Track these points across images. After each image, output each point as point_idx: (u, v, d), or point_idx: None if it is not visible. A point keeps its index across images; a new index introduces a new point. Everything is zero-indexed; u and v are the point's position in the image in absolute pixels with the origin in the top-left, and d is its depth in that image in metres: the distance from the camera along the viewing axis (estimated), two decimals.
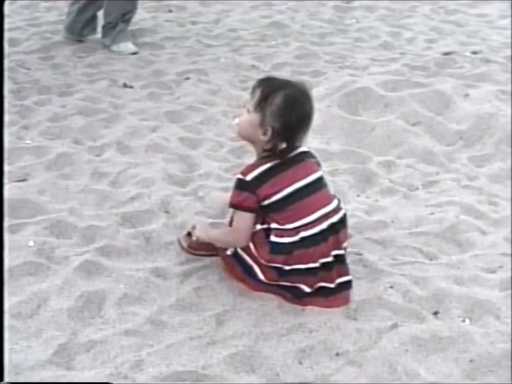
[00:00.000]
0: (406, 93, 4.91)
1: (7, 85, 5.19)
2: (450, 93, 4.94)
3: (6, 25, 6.60)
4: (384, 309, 2.89)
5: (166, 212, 3.59)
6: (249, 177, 2.87)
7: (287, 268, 2.88)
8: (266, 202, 2.87)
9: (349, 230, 3.23)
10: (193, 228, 3.18)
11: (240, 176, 2.89)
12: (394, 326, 2.77)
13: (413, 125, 4.60)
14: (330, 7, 6.87)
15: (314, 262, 2.88)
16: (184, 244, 3.22)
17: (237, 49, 5.92)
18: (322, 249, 2.88)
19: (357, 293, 2.98)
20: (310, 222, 2.88)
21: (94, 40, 6.18)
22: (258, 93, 2.85)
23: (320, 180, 2.95)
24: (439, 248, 3.39)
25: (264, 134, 2.86)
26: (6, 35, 6.29)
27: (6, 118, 4.65)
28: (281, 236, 2.87)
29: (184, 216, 3.53)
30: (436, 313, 2.89)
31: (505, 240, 3.45)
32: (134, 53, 5.92)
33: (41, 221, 3.47)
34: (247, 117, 2.89)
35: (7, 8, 7.16)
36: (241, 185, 2.89)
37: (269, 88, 2.85)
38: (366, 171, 4.08)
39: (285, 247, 2.87)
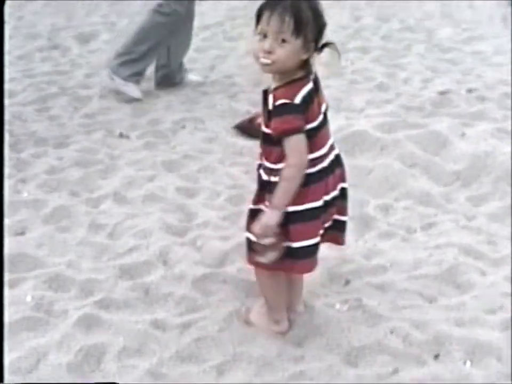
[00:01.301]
0: (402, 134, 4.98)
1: (3, 137, 5.28)
2: (446, 132, 5.00)
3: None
4: (385, 354, 2.92)
5: (164, 262, 3.65)
6: (297, 100, 2.76)
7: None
8: (308, 126, 2.81)
9: (348, 276, 3.29)
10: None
11: (285, 100, 2.76)
12: (395, 371, 2.81)
13: (410, 166, 4.66)
14: (324, 50, 6.94)
15: (327, 194, 2.91)
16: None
17: (232, 96, 5.99)
18: (332, 181, 2.93)
19: (356, 338, 3.02)
20: (325, 153, 2.90)
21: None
22: (286, 18, 2.71)
23: (326, 108, 2.95)
24: (439, 290, 3.44)
25: (306, 51, 2.79)
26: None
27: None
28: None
29: (182, 266, 3.59)
30: (436, 356, 2.93)
31: (505, 279, 3.50)
32: (136, 99, 6.00)
33: (39, 275, 3.53)
34: (288, 47, 2.73)
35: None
36: (290, 109, 2.76)
37: (293, 7, 2.73)
38: (364, 215, 4.13)
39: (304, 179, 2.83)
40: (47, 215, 4.24)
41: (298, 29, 2.72)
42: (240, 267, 3.52)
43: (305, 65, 2.82)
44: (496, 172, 4.56)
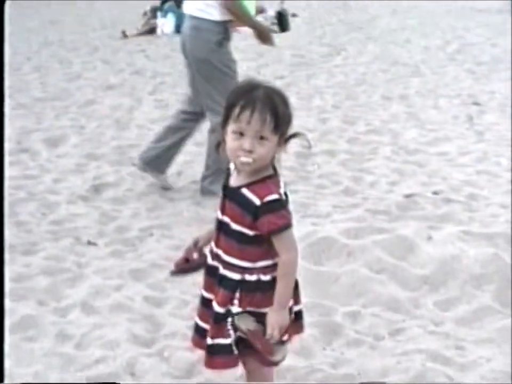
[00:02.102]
0: (369, 240, 5.05)
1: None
2: (413, 236, 5.08)
3: None
4: None
5: (132, 374, 3.65)
6: (281, 193, 2.83)
7: None
8: None
9: None
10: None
11: (277, 195, 2.80)
12: None
13: (377, 272, 4.73)
14: (291, 154, 7.09)
15: None
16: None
17: (199, 202, 6.08)
18: None
19: None
20: None
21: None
22: (267, 117, 2.74)
23: None
24: None
25: (279, 145, 2.83)
26: None
27: None
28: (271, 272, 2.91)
29: (149, 378, 3.60)
30: None
31: None
32: None
33: None
34: (268, 145, 2.77)
35: None
36: (280, 204, 2.80)
37: (271, 103, 2.75)
38: (331, 323, 4.17)
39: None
40: (14, 324, 4.23)
41: (277, 126, 2.77)
42: (208, 377, 3.54)
43: (272, 160, 2.87)
44: (463, 275, 4.64)
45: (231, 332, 2.92)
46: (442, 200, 6.04)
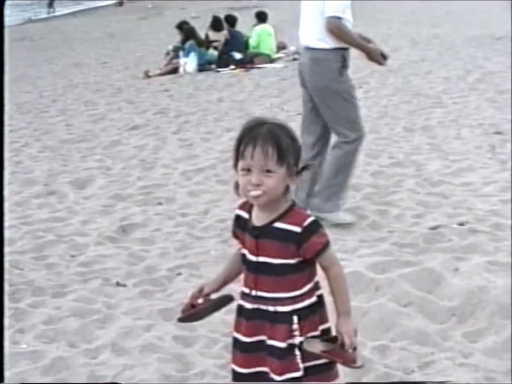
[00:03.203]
0: (396, 273, 5.07)
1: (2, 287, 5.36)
2: (439, 269, 5.10)
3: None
4: None
5: None
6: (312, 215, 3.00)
7: None
8: None
9: None
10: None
11: (311, 218, 2.93)
12: None
13: (405, 306, 4.73)
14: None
15: None
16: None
17: (226, 240, 6.06)
18: None
19: None
20: None
21: None
22: (269, 150, 2.83)
23: None
24: None
25: (290, 176, 2.91)
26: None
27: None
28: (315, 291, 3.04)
29: None
30: None
31: None
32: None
33: None
34: (275, 177, 2.85)
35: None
36: (318, 224, 2.94)
37: (272, 137, 2.85)
38: (360, 357, 4.16)
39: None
40: (46, 367, 4.28)
41: (281, 158, 2.85)
42: None
43: (287, 191, 2.94)
44: (491, 306, 4.62)
45: (301, 365, 2.97)
46: (468, 231, 6.03)
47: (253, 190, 2.86)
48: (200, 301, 3.19)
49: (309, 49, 6.20)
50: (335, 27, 6.01)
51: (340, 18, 6.01)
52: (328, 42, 6.07)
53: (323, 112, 6.26)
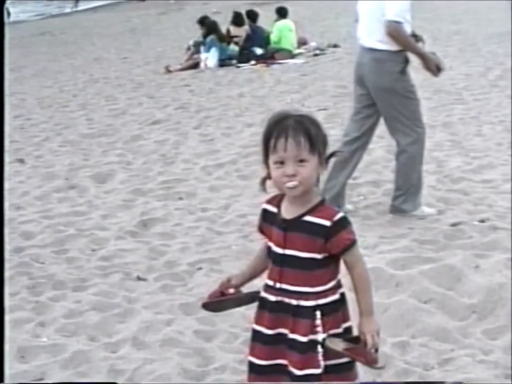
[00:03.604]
0: (416, 270, 5.07)
1: (21, 281, 5.40)
2: (460, 266, 5.09)
3: (21, 218, 6.89)
4: None
5: None
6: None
7: None
8: None
9: None
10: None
11: (342, 214, 2.96)
12: None
13: (425, 302, 4.73)
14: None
15: None
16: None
17: (247, 235, 6.08)
18: None
19: None
20: None
21: None
22: (301, 140, 2.87)
23: None
24: None
25: (321, 165, 2.95)
26: (21, 228, 6.58)
27: (21, 314, 4.84)
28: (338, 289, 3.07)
29: None
30: None
31: None
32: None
33: None
34: (309, 166, 2.89)
35: (20, 200, 7.48)
36: (347, 220, 2.98)
37: (302, 127, 2.88)
38: (380, 354, 4.11)
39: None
40: (66, 360, 4.30)
41: (313, 146, 2.89)
42: None
43: (318, 182, 2.99)
44: (511, 303, 4.60)
45: (322, 362, 2.99)
46: (488, 228, 6.02)
47: (288, 181, 2.89)
48: (231, 291, 3.18)
49: (370, 49, 6.25)
50: (394, 31, 6.06)
51: (400, 22, 6.05)
52: (390, 44, 6.13)
53: (383, 111, 6.34)
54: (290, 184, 2.90)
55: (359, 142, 6.47)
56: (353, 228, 2.99)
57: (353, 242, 2.96)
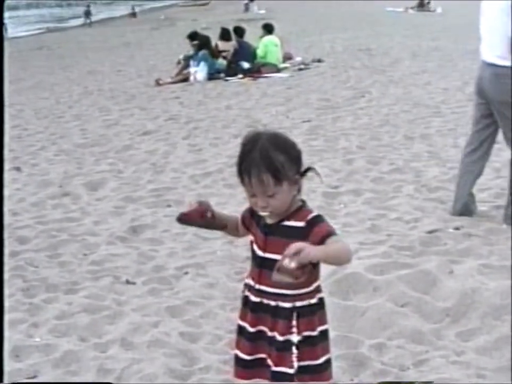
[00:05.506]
0: (393, 275, 5.07)
1: (16, 283, 5.39)
2: (435, 271, 5.09)
3: (17, 224, 6.87)
4: None
5: None
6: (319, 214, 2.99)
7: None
8: None
9: None
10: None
11: (315, 213, 2.95)
12: None
13: (402, 306, 4.73)
14: (319, 194, 7.13)
15: None
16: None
17: (232, 241, 6.05)
18: None
19: None
20: None
21: None
22: (263, 178, 2.83)
23: None
24: None
25: (295, 184, 2.94)
26: (17, 233, 6.56)
27: (16, 315, 4.84)
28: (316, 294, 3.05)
29: None
30: None
31: None
32: None
33: None
34: (278, 197, 2.87)
35: (16, 206, 7.46)
36: (322, 218, 2.95)
37: (265, 162, 2.83)
38: (358, 355, 4.18)
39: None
40: (57, 359, 4.31)
41: (279, 179, 2.87)
42: None
43: (299, 190, 2.99)
44: (483, 307, 4.63)
45: (295, 363, 2.99)
46: (463, 235, 6.03)
47: (261, 211, 2.92)
48: (209, 214, 3.10)
49: (491, 65, 6.26)
50: None
51: None
52: (510, 61, 6.10)
53: (501, 123, 6.36)
54: (263, 213, 2.93)
55: (479, 152, 6.51)
56: (329, 224, 2.96)
57: (330, 233, 2.90)
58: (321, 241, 2.88)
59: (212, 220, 3.13)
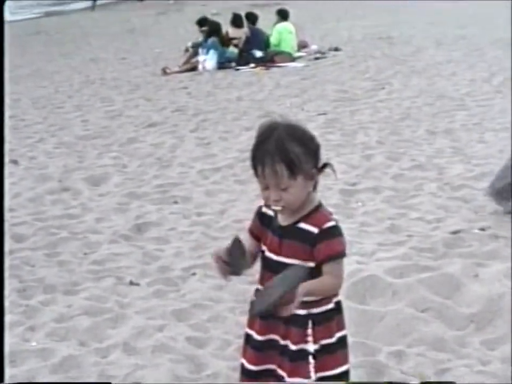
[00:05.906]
0: (414, 278, 5.07)
1: (11, 283, 5.40)
2: (459, 275, 5.10)
3: (13, 220, 6.89)
4: None
5: None
6: (337, 220, 2.99)
7: None
8: None
9: None
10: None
11: (333, 222, 2.94)
12: None
13: (422, 311, 4.73)
14: (336, 191, 7.14)
15: None
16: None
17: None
18: None
19: None
20: None
21: None
22: (277, 169, 2.85)
23: None
24: None
25: (311, 179, 2.94)
26: (12, 230, 6.58)
27: (11, 318, 4.83)
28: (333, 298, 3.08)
29: None
30: None
31: None
32: None
33: None
34: (292, 190, 2.88)
35: (12, 202, 7.48)
36: (338, 230, 2.95)
37: (281, 153, 2.85)
38: (376, 363, 4.18)
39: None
40: (55, 365, 4.32)
41: (293, 172, 2.88)
42: None
43: (312, 193, 2.99)
44: (510, 314, 4.62)
45: (312, 373, 2.99)
46: (489, 236, 6.02)
47: (274, 204, 2.93)
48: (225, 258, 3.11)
49: None
50: None
51: None
52: None
53: None
54: (276, 207, 2.94)
55: None
56: (344, 240, 2.97)
57: (338, 255, 2.93)
58: (325, 259, 2.92)
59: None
